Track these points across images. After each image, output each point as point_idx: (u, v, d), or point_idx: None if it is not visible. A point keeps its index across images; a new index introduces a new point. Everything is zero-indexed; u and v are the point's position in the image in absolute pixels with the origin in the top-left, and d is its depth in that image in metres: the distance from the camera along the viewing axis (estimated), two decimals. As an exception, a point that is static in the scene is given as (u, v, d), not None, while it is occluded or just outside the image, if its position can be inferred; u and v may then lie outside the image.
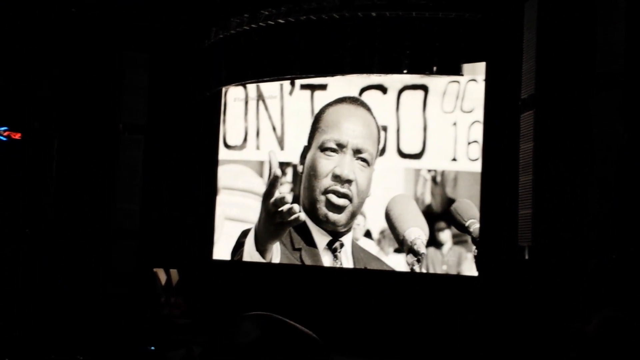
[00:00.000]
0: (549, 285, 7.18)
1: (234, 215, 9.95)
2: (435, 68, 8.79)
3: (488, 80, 8.60)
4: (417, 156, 8.96)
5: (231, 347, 1.46)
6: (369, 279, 8.98)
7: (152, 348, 7.38)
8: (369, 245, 9.07)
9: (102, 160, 10.46)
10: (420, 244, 8.61)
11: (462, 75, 8.71)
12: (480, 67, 8.71)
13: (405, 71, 8.93)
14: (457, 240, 8.69)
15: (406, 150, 9.02)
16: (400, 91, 9.13)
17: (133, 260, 10.17)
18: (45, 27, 10.55)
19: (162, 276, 9.59)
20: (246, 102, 10.09)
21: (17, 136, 10.46)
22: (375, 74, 9.18)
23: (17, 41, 10.78)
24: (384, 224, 8.92)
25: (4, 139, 10.44)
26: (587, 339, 3.32)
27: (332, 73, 9.41)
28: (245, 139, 10.07)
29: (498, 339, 7.69)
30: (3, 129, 10.65)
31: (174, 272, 9.65)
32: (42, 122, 10.52)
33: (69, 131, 10.53)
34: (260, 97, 9.98)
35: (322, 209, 9.11)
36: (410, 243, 8.64)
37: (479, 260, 8.41)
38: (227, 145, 10.25)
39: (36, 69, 10.61)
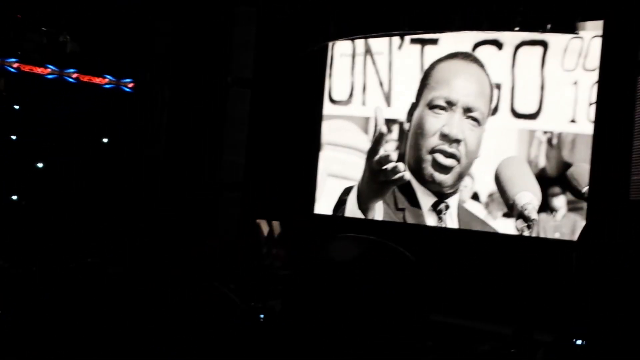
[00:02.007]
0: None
1: (337, 171, 9.90)
2: (549, 26, 8.41)
3: (605, 38, 8.16)
4: (533, 116, 8.59)
5: (327, 265, 1.44)
6: (474, 241, 8.77)
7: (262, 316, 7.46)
8: (477, 209, 8.82)
9: (211, 113, 10.59)
10: (532, 209, 8.34)
11: (577, 34, 8.29)
12: (600, 24, 8.27)
13: (517, 28, 8.58)
14: (573, 207, 8.32)
15: (521, 110, 8.68)
16: (517, 47, 8.75)
17: (237, 212, 10.32)
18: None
19: (265, 228, 9.69)
20: (353, 57, 9.96)
21: (97, 80, 10.72)
22: (486, 31, 8.84)
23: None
24: (493, 187, 8.66)
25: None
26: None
27: (441, 29, 9.15)
28: (351, 94, 9.95)
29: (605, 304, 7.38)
30: (128, 80, 10.94)
31: (276, 224, 9.73)
32: (154, 73, 10.74)
33: (179, 84, 10.71)
34: (367, 51, 9.83)
35: (428, 168, 8.96)
36: (520, 208, 8.38)
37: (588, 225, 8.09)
38: (332, 100, 10.17)
39: (149, 22, 10.83)
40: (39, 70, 10.32)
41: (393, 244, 1.59)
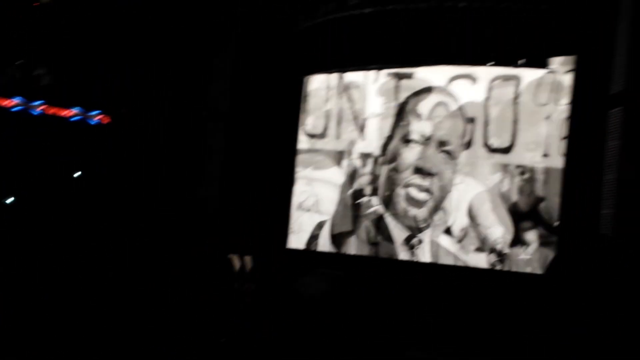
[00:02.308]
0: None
1: (310, 205, 9.86)
2: (522, 61, 8.47)
3: (577, 74, 8.20)
4: (506, 150, 8.59)
5: (298, 299, 1.46)
6: (447, 275, 8.73)
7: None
8: (449, 243, 8.79)
9: (187, 145, 10.59)
10: (504, 244, 8.32)
11: (549, 69, 8.34)
12: (572, 60, 8.32)
13: (491, 63, 8.63)
14: (545, 241, 8.30)
15: (494, 144, 8.68)
16: (491, 81, 8.78)
17: (209, 245, 10.26)
18: (138, 16, 10.77)
19: (237, 262, 9.63)
20: (328, 90, 9.96)
21: (64, 113, 10.73)
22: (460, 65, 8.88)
23: (110, 30, 11.04)
24: (466, 221, 8.64)
25: (96, 122, 10.72)
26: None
27: (417, 64, 9.20)
28: (325, 128, 9.94)
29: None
30: (96, 112, 10.94)
31: (248, 259, 9.67)
32: (130, 107, 10.75)
33: (155, 116, 10.71)
34: (343, 85, 9.83)
35: (402, 202, 8.95)
36: (492, 242, 8.36)
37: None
38: (307, 134, 10.15)
39: (127, 58, 10.86)
40: (5, 102, 10.32)
41: (362, 279, 1.59)
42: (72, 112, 10.82)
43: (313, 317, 1.42)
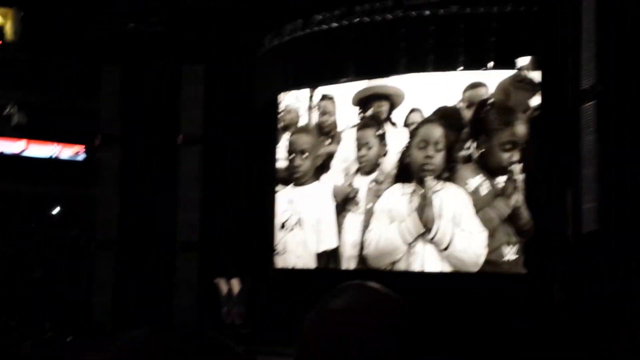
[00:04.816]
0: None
1: (293, 224, 9.78)
2: (490, 64, 8.56)
3: (546, 72, 8.30)
4: (483, 153, 8.60)
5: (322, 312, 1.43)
6: (435, 281, 8.70)
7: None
8: (436, 250, 8.69)
9: (163, 172, 10.55)
10: (489, 246, 8.37)
11: (518, 69, 8.42)
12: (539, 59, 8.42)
13: (460, 68, 8.71)
14: (528, 241, 8.32)
15: (471, 147, 8.69)
16: (463, 85, 8.82)
17: (195, 271, 10.22)
18: (102, 44, 10.75)
19: (224, 286, 9.59)
20: (302, 106, 9.94)
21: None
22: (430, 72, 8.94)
23: (77, 58, 11.01)
24: (450, 227, 8.59)
25: (81, 157, 10.66)
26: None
27: (387, 74, 9.25)
28: (302, 144, 9.90)
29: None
30: (58, 147, 10.88)
31: (235, 282, 9.64)
32: (104, 137, 10.70)
33: (131, 145, 10.66)
34: (316, 99, 9.82)
35: (385, 213, 8.98)
36: (477, 246, 8.41)
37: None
38: (285, 151, 10.11)
39: (96, 86, 10.83)
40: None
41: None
42: (51, 146, 10.75)
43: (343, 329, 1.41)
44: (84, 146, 10.95)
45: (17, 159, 10.84)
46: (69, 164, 10.90)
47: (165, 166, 10.53)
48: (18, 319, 8.90)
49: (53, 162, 10.89)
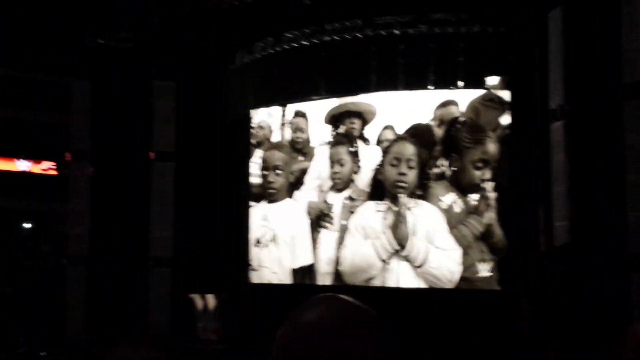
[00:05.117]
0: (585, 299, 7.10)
1: (269, 240, 9.85)
2: (460, 82, 8.75)
3: (515, 91, 8.53)
4: (455, 171, 8.77)
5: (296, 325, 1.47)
6: (410, 298, 8.82)
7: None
8: (410, 267, 8.81)
9: (135, 188, 10.58)
10: (463, 264, 8.53)
11: (487, 88, 8.63)
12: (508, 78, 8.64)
13: (430, 87, 8.88)
14: (502, 258, 8.50)
15: (443, 165, 8.87)
16: (433, 103, 9.01)
17: (169, 287, 10.26)
18: (72, 60, 10.76)
19: (199, 302, 9.64)
20: (274, 122, 10.05)
21: (46, 167, 10.66)
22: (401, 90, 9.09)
23: (48, 72, 10.99)
24: (423, 245, 8.73)
25: (28, 169, 10.62)
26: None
27: (358, 91, 9.40)
28: (275, 160, 10.00)
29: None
30: (28, 162, 10.85)
31: (210, 298, 9.69)
32: (75, 152, 10.69)
33: (102, 161, 10.67)
34: (288, 116, 9.94)
35: (359, 230, 9.11)
36: (452, 263, 8.57)
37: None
38: (258, 168, 10.20)
39: (66, 101, 10.83)
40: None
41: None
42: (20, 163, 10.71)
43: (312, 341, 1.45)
44: (54, 162, 10.88)
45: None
46: (40, 179, 10.84)
47: (137, 181, 10.55)
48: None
49: (23, 177, 10.82)
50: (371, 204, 9.00)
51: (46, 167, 10.80)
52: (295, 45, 9.81)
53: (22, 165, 10.91)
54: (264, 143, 10.12)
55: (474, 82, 8.75)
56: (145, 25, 10.55)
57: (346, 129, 9.43)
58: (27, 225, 10.80)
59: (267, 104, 10.13)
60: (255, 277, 9.89)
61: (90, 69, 10.90)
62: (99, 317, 10.01)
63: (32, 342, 8.99)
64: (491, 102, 8.64)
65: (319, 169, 9.57)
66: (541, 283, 7.68)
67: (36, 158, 10.90)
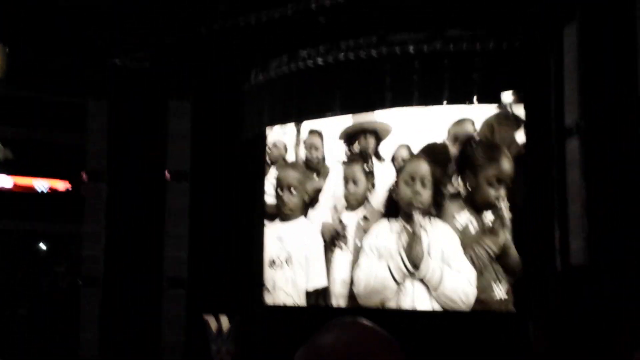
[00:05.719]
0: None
1: (283, 260, 9.76)
2: (475, 98, 8.65)
3: (530, 107, 8.42)
4: (470, 189, 8.65)
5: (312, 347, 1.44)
6: (425, 320, 8.69)
7: None
8: (425, 289, 8.67)
9: (150, 208, 10.55)
10: (479, 285, 8.39)
11: (502, 104, 8.53)
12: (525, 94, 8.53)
13: (445, 102, 8.79)
14: (518, 279, 8.34)
15: (458, 183, 8.75)
16: (449, 120, 8.91)
17: (183, 308, 10.21)
18: (89, 80, 10.80)
19: (213, 323, 9.57)
20: (288, 141, 10.00)
21: (62, 188, 10.67)
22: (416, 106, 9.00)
23: (65, 93, 11.04)
24: (439, 266, 8.59)
25: (45, 190, 10.64)
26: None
27: (373, 107, 9.34)
28: (289, 179, 9.93)
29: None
30: (45, 183, 10.87)
31: (224, 319, 9.61)
32: (91, 173, 10.70)
33: (117, 181, 10.66)
34: (302, 134, 9.89)
35: (373, 251, 9.01)
36: (467, 284, 8.43)
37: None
38: (272, 187, 10.14)
39: (82, 121, 10.86)
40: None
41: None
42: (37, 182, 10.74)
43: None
44: (70, 182, 10.89)
45: (2, 195, 10.79)
46: (56, 199, 10.85)
47: (152, 201, 10.52)
48: (4, 355, 8.86)
49: (39, 198, 10.83)
50: (385, 223, 8.89)
51: (62, 187, 10.79)
52: (310, 63, 9.77)
53: (40, 185, 10.90)
54: (279, 161, 10.07)
55: (489, 98, 8.66)
56: (161, 46, 10.56)
57: (360, 147, 9.35)
58: (43, 247, 10.80)
59: (282, 121, 10.09)
60: (270, 299, 9.81)
61: (107, 89, 10.92)
62: (112, 338, 9.97)
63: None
64: (505, 119, 8.53)
65: (333, 188, 9.48)
66: (557, 305, 7.52)
67: (52, 178, 10.90)
